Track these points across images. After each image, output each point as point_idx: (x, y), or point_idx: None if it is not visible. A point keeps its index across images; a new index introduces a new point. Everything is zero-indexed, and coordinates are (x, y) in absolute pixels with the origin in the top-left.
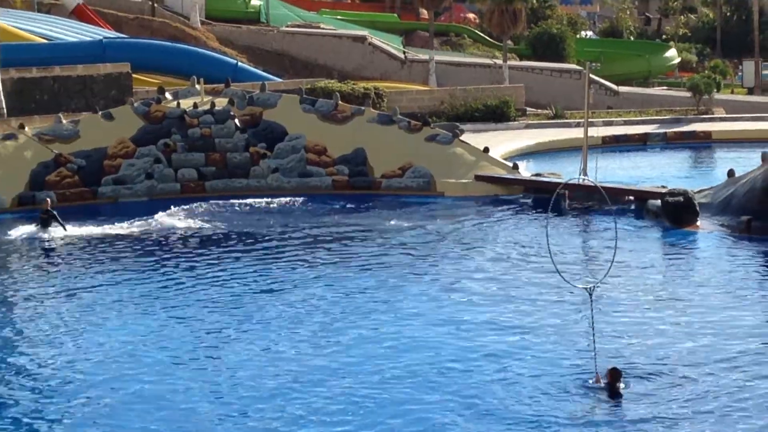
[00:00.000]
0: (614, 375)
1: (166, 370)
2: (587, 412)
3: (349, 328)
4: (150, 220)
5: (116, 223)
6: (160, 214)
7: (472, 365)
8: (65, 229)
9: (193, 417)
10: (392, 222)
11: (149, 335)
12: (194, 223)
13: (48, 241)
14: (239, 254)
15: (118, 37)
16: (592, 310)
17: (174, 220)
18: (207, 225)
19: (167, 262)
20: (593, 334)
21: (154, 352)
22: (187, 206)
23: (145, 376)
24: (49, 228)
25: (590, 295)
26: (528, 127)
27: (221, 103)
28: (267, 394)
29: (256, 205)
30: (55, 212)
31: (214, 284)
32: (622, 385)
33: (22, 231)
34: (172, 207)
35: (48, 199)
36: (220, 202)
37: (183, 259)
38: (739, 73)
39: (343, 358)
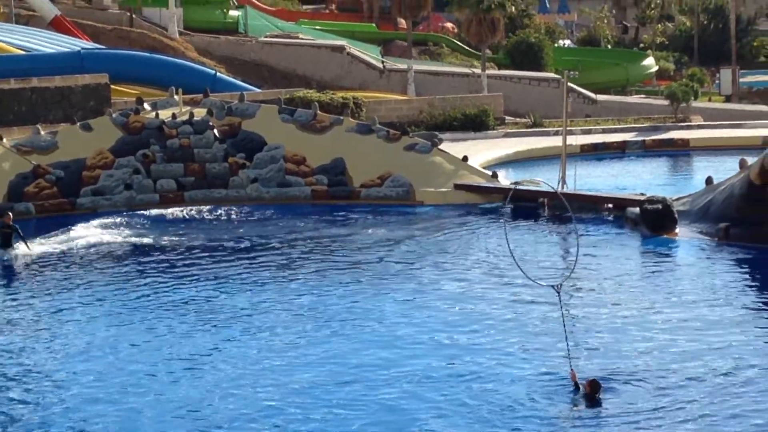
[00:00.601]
0: (593, 387)
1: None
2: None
3: (319, 336)
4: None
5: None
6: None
7: (445, 375)
8: (28, 247)
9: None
10: (370, 231)
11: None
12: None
13: (7, 259)
14: (212, 264)
15: (96, 48)
16: (561, 307)
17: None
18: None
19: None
20: (565, 329)
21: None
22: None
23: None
24: (12, 245)
25: (558, 292)
26: (507, 135)
27: (200, 113)
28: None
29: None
30: (17, 227)
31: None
32: (599, 395)
33: None
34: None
35: (9, 213)
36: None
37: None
38: (717, 81)
39: (307, 368)
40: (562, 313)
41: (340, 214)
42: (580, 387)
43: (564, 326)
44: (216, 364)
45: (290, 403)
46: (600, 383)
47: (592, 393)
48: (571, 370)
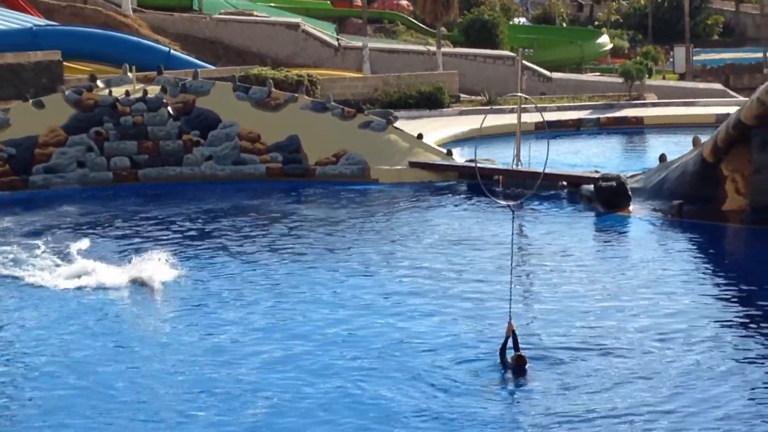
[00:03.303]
0: (519, 362)
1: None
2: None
3: (259, 309)
4: None
5: None
6: None
7: (381, 352)
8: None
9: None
10: (322, 208)
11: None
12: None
13: None
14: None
15: (49, 25)
16: (513, 231)
17: None
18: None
19: None
20: (511, 269)
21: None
22: None
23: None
24: None
25: (513, 212)
26: (462, 113)
27: (154, 90)
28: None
29: None
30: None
31: None
32: (527, 366)
33: None
34: None
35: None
36: None
37: None
38: (671, 59)
39: (243, 342)
40: (512, 237)
41: (295, 191)
42: (512, 339)
43: (512, 265)
44: (150, 343)
45: (224, 377)
46: (525, 358)
47: (518, 367)
48: (510, 322)
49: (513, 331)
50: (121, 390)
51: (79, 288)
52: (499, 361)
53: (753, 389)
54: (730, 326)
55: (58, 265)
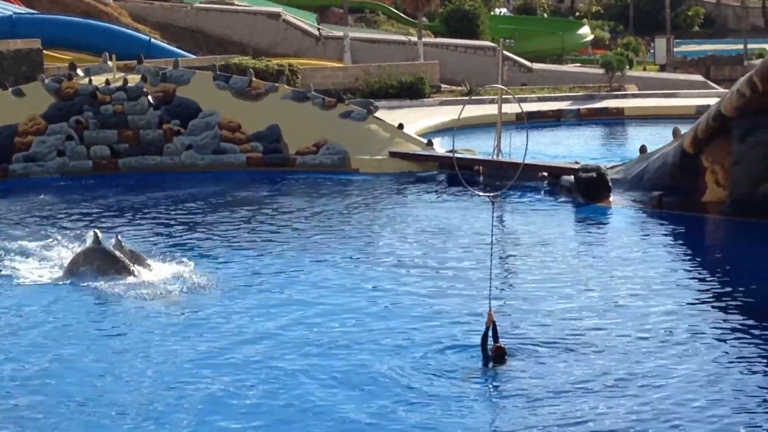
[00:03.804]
0: (499, 352)
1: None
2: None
3: (226, 307)
4: None
5: None
6: None
7: (353, 348)
8: None
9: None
10: (301, 198)
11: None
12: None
13: None
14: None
15: (29, 13)
16: (492, 222)
17: None
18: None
19: None
20: (491, 258)
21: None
22: None
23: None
24: None
25: (492, 204)
26: (443, 103)
27: (134, 79)
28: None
29: None
30: None
31: None
32: (506, 359)
33: None
34: None
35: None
36: None
37: None
38: (651, 51)
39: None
40: (492, 228)
41: (275, 180)
42: (492, 330)
43: (491, 254)
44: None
45: (186, 373)
46: (505, 349)
47: (496, 358)
48: (490, 310)
49: (493, 322)
50: (64, 387)
51: (56, 280)
52: (480, 350)
53: (737, 388)
54: (710, 320)
55: (36, 256)
